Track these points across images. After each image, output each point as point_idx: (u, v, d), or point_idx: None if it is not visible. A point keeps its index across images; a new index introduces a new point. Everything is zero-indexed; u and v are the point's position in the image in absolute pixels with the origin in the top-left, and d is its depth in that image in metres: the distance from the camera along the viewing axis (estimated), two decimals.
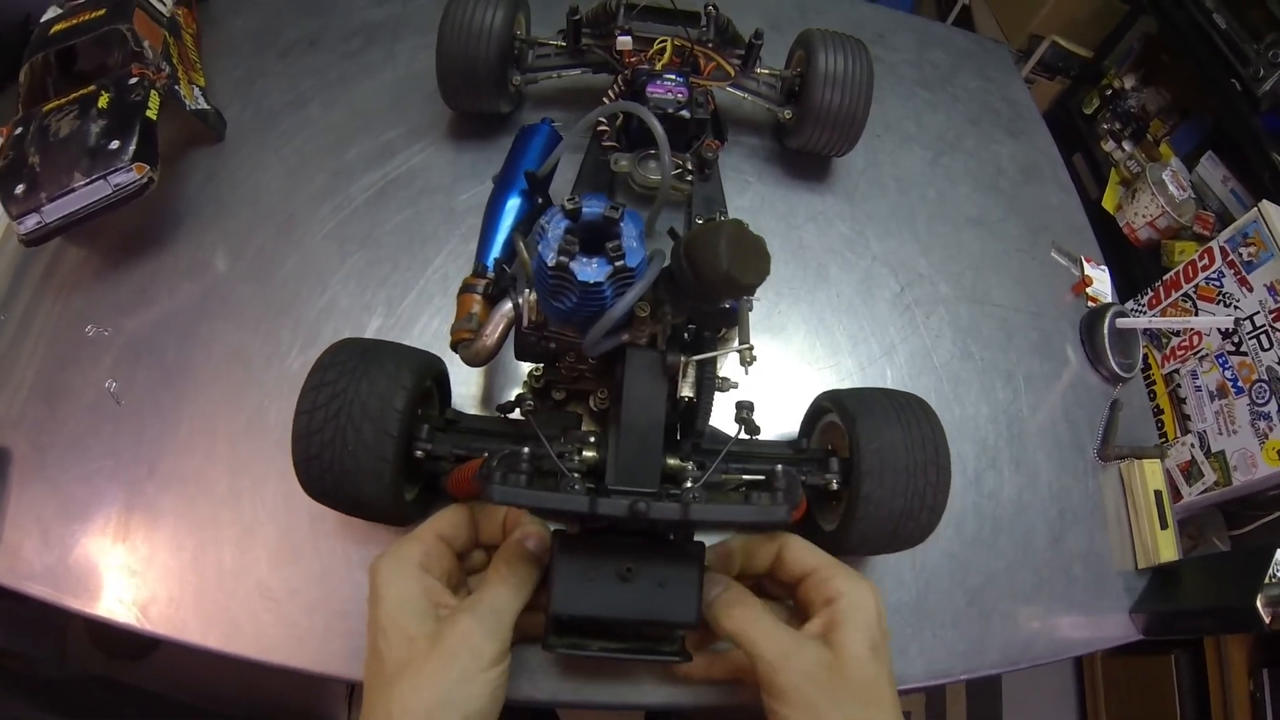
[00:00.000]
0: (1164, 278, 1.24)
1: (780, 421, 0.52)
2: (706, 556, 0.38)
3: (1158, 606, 0.55)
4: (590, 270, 0.34)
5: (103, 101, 0.52)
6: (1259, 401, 1.05)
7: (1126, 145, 1.60)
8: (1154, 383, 1.23)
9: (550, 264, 0.34)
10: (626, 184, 0.55)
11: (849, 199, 0.68)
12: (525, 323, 0.42)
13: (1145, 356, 1.26)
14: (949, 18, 1.79)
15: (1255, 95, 1.20)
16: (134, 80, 0.53)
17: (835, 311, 0.61)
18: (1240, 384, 1.09)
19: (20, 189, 0.49)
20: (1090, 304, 0.68)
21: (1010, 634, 0.52)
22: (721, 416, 0.45)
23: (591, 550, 0.36)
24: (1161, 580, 0.57)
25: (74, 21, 0.55)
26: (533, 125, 0.56)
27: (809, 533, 0.48)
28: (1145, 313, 0.90)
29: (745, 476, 0.42)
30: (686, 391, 0.41)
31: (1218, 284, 1.14)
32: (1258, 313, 1.05)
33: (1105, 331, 0.63)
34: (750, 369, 0.41)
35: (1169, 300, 1.24)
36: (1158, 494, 0.58)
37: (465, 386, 0.52)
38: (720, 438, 0.45)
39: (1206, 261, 1.16)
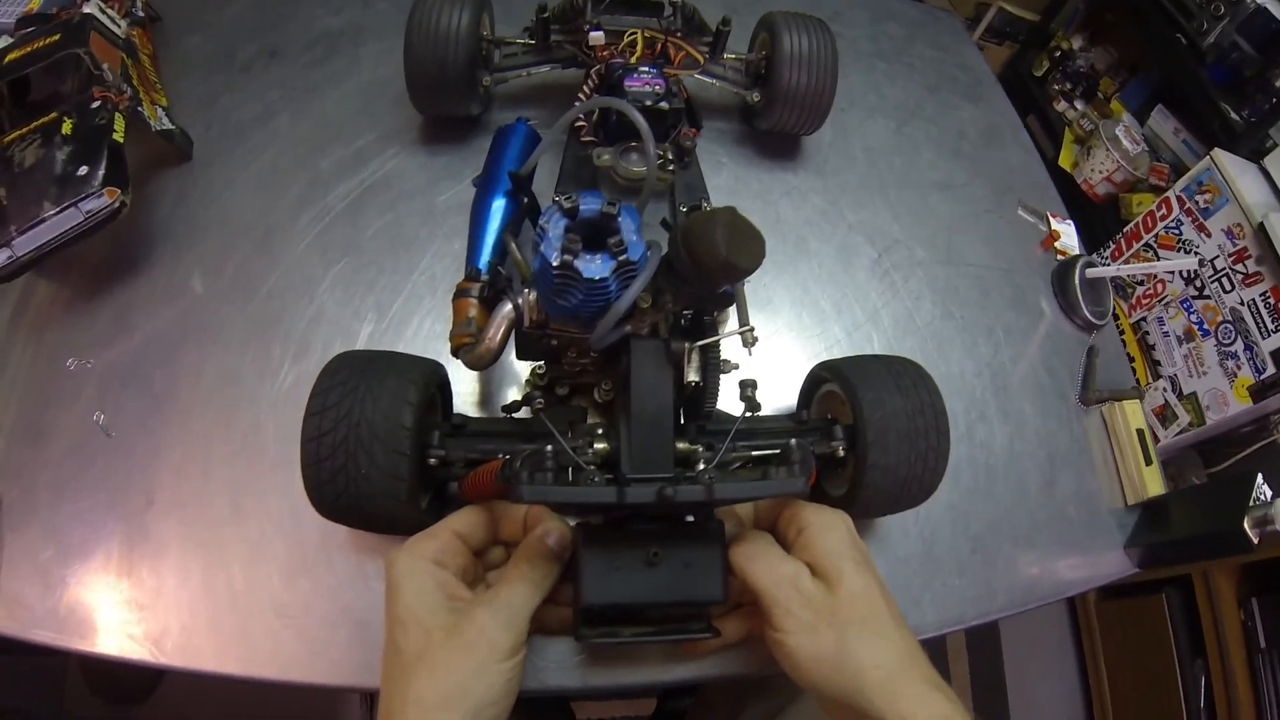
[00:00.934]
0: (1125, 230, 1.28)
1: (776, 394, 0.53)
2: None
3: (1150, 539, 0.57)
4: (595, 267, 0.34)
5: (66, 128, 0.50)
6: (1225, 342, 1.09)
7: (1078, 104, 1.64)
8: (1123, 332, 1.27)
9: (555, 263, 0.34)
10: (610, 178, 0.55)
11: (820, 172, 0.69)
12: (527, 322, 0.42)
13: (1112, 307, 1.30)
14: None
15: (1200, 48, 1.25)
16: (97, 104, 0.51)
17: (818, 282, 0.62)
18: (1206, 326, 1.13)
19: None
20: (1059, 257, 0.70)
21: (1014, 577, 0.54)
22: (728, 400, 0.46)
23: (615, 540, 0.37)
24: (1151, 514, 0.59)
25: (27, 49, 0.54)
26: (509, 125, 0.56)
27: (818, 499, 0.49)
28: (1110, 264, 0.93)
29: (752, 453, 0.43)
30: (693, 376, 0.42)
31: (1177, 232, 1.19)
32: (1217, 256, 1.10)
33: (1076, 282, 0.66)
34: (753, 349, 0.42)
35: (1131, 251, 1.28)
36: (1140, 433, 0.60)
37: (464, 387, 0.52)
38: (722, 418, 0.46)
39: (1164, 211, 1.20)
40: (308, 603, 0.44)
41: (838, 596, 0.35)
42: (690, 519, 0.39)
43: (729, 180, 0.67)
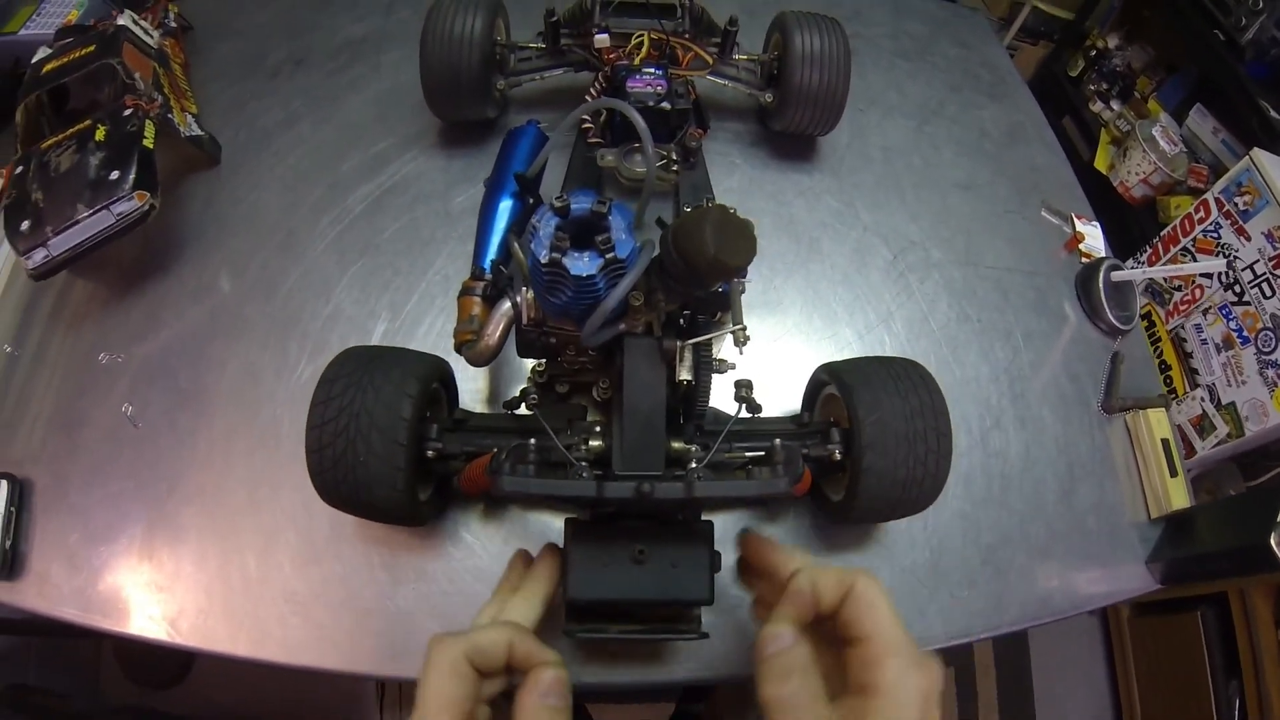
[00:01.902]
0: (1161, 234, 1.24)
1: (783, 397, 0.53)
2: (789, 587, 0.33)
3: (1173, 554, 0.55)
4: (582, 264, 0.35)
5: (100, 134, 0.53)
6: (1265, 350, 1.05)
7: (1114, 104, 1.60)
8: (1159, 339, 1.23)
9: (544, 261, 0.35)
10: (614, 178, 0.56)
11: (835, 173, 0.69)
12: (525, 320, 0.43)
13: (1149, 314, 1.26)
14: None
15: (1239, 44, 1.20)
16: (128, 111, 0.54)
17: (830, 283, 0.62)
18: (1245, 334, 1.08)
19: (26, 225, 0.51)
20: (1084, 259, 0.68)
21: (1028, 590, 0.52)
22: (724, 399, 0.46)
23: (603, 537, 0.37)
24: (1175, 528, 0.57)
25: (64, 60, 0.57)
26: (519, 128, 0.57)
27: (817, 504, 0.48)
28: (1142, 267, 0.90)
29: (749, 455, 0.43)
30: (685, 375, 0.42)
31: (1215, 235, 1.14)
32: (1257, 261, 1.05)
33: (1101, 285, 0.64)
34: (745, 349, 0.42)
35: (1168, 256, 1.23)
36: (1165, 443, 0.58)
37: (473, 385, 0.53)
38: (724, 419, 0.46)
39: (1202, 214, 1.15)
40: (317, 591, 0.46)
41: None
42: (681, 519, 0.39)
43: (742, 181, 0.67)
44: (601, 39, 0.57)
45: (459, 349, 0.46)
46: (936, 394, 0.43)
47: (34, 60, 0.59)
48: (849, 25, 0.63)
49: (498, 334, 0.43)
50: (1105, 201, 1.47)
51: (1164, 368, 1.21)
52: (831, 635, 0.32)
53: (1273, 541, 0.48)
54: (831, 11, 0.64)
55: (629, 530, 0.37)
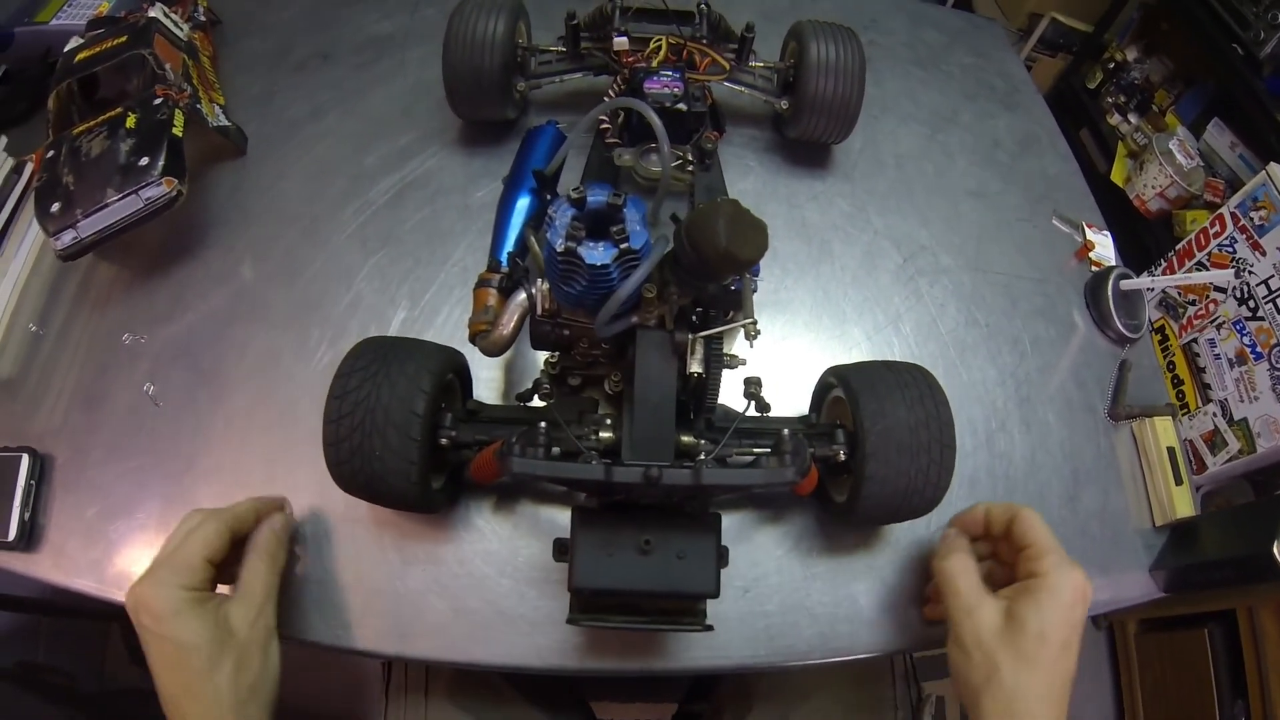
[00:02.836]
0: (1176, 247, 1.24)
1: (792, 397, 0.54)
2: (963, 515, 0.46)
3: (1177, 562, 0.55)
4: (597, 253, 0.36)
5: (130, 122, 0.55)
6: (1279, 366, 1.04)
7: (1132, 117, 1.59)
8: (1173, 353, 1.22)
9: (559, 249, 0.36)
10: (631, 177, 0.57)
11: (849, 178, 0.69)
12: (539, 311, 0.43)
13: (1163, 327, 1.25)
14: (948, 1, 1.80)
15: (1257, 59, 1.20)
16: (159, 100, 0.56)
17: (840, 285, 0.62)
18: (1259, 350, 1.08)
19: (56, 207, 0.52)
20: (1094, 268, 0.68)
21: None
22: (734, 397, 0.46)
23: (610, 525, 0.37)
24: (1180, 536, 0.57)
25: (97, 50, 0.59)
26: (539, 127, 0.58)
27: (821, 504, 0.49)
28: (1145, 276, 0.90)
29: (757, 451, 0.43)
30: (695, 368, 0.43)
31: (1230, 249, 1.13)
32: (1272, 276, 1.05)
33: (1110, 294, 0.64)
34: (756, 343, 0.42)
35: (1183, 270, 1.23)
36: (1171, 451, 0.58)
37: (489, 374, 0.54)
38: (733, 416, 0.47)
39: (1218, 228, 1.15)
40: (328, 569, 0.47)
41: (1017, 648, 0.38)
42: (688, 512, 0.39)
43: (756, 184, 0.68)
44: (620, 42, 0.58)
45: (473, 339, 0.47)
46: (943, 405, 0.43)
47: (66, 49, 0.60)
48: (865, 33, 0.64)
49: (512, 324, 0.44)
50: (1121, 214, 1.47)
51: (1176, 382, 1.20)
52: (1005, 557, 0.44)
53: (1276, 550, 0.48)
54: (848, 19, 0.64)
55: (636, 521, 0.37)
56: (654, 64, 0.57)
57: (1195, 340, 1.21)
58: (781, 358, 0.58)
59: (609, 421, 0.41)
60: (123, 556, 0.48)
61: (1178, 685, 1.13)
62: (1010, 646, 0.38)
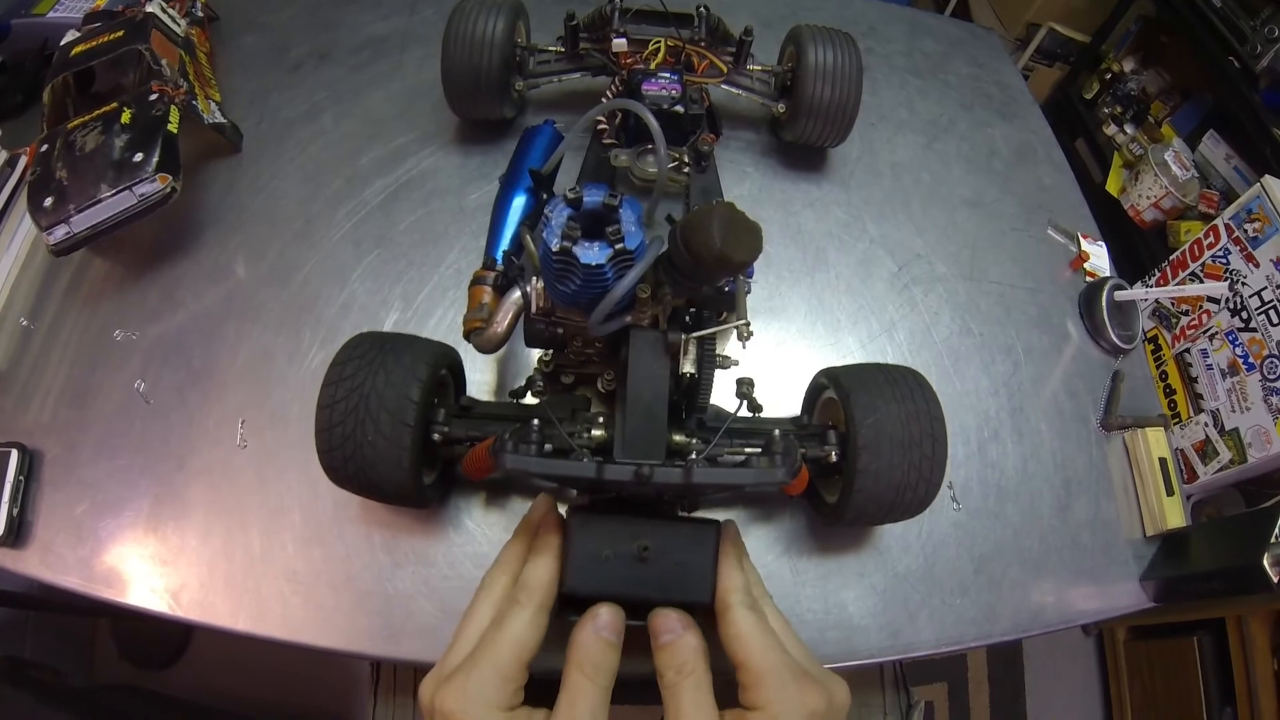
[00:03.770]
0: (1170, 258, 1.24)
1: (784, 401, 0.54)
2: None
3: (1167, 573, 0.55)
4: (592, 253, 0.36)
5: (125, 117, 0.54)
6: (1270, 377, 1.04)
7: (1128, 128, 1.60)
8: (1165, 363, 1.23)
9: (554, 249, 0.36)
10: (627, 178, 0.57)
11: (845, 185, 0.69)
12: (534, 309, 0.44)
13: (1155, 337, 1.26)
14: (946, 10, 1.81)
15: (1253, 72, 1.21)
16: (154, 96, 0.55)
17: (834, 292, 0.62)
18: (1251, 360, 1.08)
19: (49, 202, 0.52)
20: (1088, 278, 0.69)
21: (1020, 602, 0.53)
22: (726, 398, 0.46)
23: (607, 528, 0.37)
24: (1170, 547, 0.57)
25: (93, 44, 0.58)
26: (536, 126, 0.58)
27: (813, 505, 0.49)
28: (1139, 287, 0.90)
29: (749, 451, 0.43)
30: (688, 368, 0.43)
31: (1224, 261, 1.14)
32: (1265, 288, 1.05)
33: (1104, 304, 0.64)
34: (749, 345, 0.42)
35: (1176, 280, 1.23)
36: (1162, 461, 0.59)
37: (481, 375, 0.54)
38: (725, 416, 0.47)
39: (1212, 239, 1.15)
40: (318, 570, 0.47)
41: None
42: (684, 514, 0.39)
43: (752, 189, 0.68)
44: (619, 43, 0.59)
45: (468, 336, 0.46)
46: (933, 401, 0.43)
47: (63, 43, 0.60)
48: (864, 41, 0.64)
49: (506, 322, 0.44)
50: (1116, 224, 1.47)
51: (1169, 391, 1.20)
52: None
53: (1266, 562, 0.48)
54: (847, 27, 0.65)
55: (633, 526, 0.37)
56: (652, 66, 0.57)
57: (1188, 350, 1.21)
58: (775, 363, 0.58)
59: (601, 420, 0.41)
60: (111, 555, 0.48)
61: (1166, 692, 1.13)
62: None
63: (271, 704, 1.11)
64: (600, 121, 0.56)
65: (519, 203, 0.52)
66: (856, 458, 0.41)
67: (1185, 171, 1.36)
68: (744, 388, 0.41)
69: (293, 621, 0.45)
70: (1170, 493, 0.58)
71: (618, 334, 0.40)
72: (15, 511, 0.48)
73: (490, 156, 0.66)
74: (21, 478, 0.49)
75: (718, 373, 0.43)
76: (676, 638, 0.33)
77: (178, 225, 0.60)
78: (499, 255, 0.50)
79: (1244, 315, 1.09)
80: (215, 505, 0.49)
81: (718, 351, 0.42)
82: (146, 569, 0.47)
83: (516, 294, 0.44)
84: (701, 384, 0.42)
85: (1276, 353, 1.03)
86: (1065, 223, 0.73)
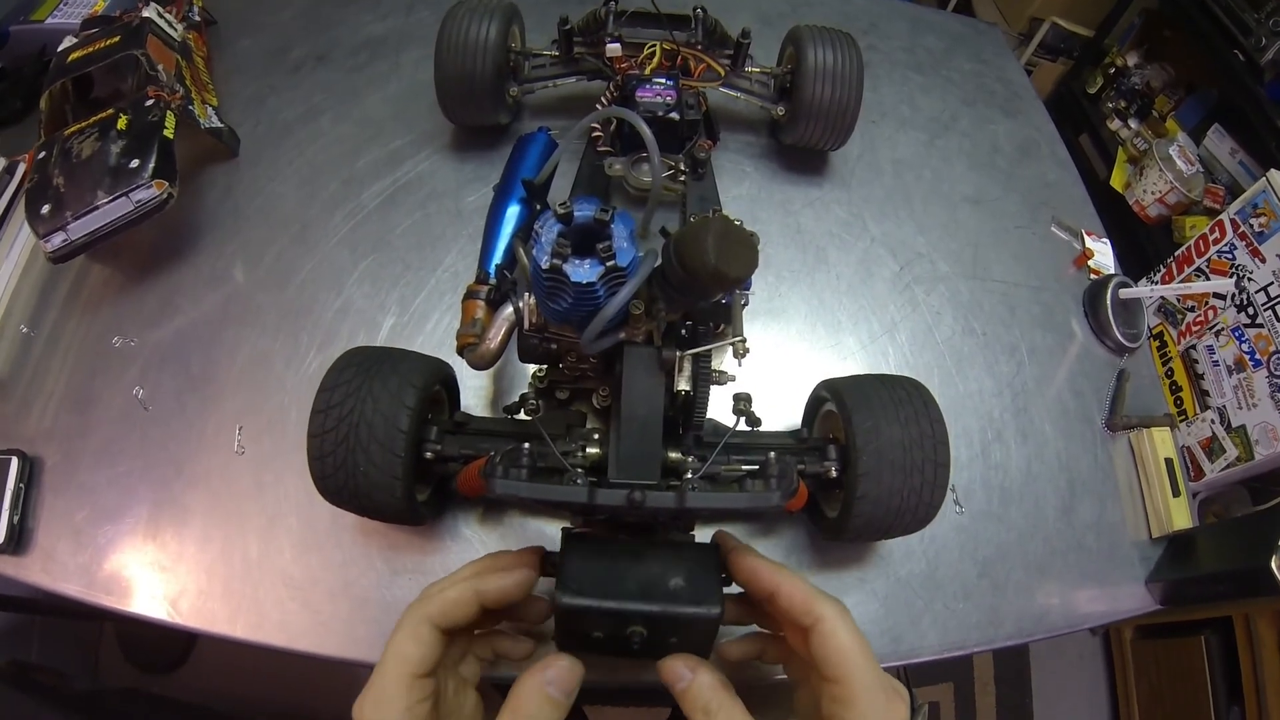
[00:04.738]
0: (1176, 253, 1.23)
1: (784, 409, 0.53)
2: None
3: (1173, 575, 0.55)
4: (583, 271, 0.35)
5: (121, 123, 0.54)
6: (1277, 373, 1.04)
7: (1132, 123, 1.59)
8: (1171, 359, 1.22)
9: (544, 267, 0.35)
10: (622, 187, 0.56)
11: (845, 184, 0.69)
12: (527, 325, 0.43)
13: (1161, 334, 1.25)
14: (948, 6, 1.79)
15: (1258, 65, 1.20)
16: (150, 102, 0.55)
17: (835, 293, 0.62)
18: (1258, 357, 1.07)
19: (46, 209, 0.52)
20: (1093, 276, 0.68)
21: (1024, 605, 0.52)
22: (724, 412, 0.46)
23: (603, 553, 0.35)
24: (1177, 549, 0.56)
25: (90, 50, 0.58)
26: (530, 134, 0.57)
27: (813, 519, 0.48)
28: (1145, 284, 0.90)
29: (746, 468, 0.42)
30: (684, 385, 0.42)
31: (1230, 256, 1.13)
32: (1271, 283, 1.04)
33: (1109, 303, 0.63)
34: (744, 360, 0.42)
35: (1182, 276, 1.22)
36: (1169, 462, 0.58)
37: (477, 381, 0.54)
38: (723, 431, 0.46)
39: (1217, 235, 1.14)
40: (315, 577, 0.47)
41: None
42: (684, 537, 0.39)
43: (751, 190, 0.67)
44: (614, 48, 0.58)
45: (461, 352, 0.46)
46: (938, 423, 0.42)
47: (60, 49, 0.60)
48: (865, 38, 0.63)
49: (499, 338, 0.44)
50: (1120, 220, 1.46)
51: (1175, 389, 1.20)
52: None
53: (1273, 564, 0.48)
54: (848, 25, 0.64)
55: (630, 549, 0.35)
56: (647, 70, 0.56)
57: (1194, 347, 1.20)
58: (775, 366, 0.57)
59: (596, 436, 0.41)
60: (111, 562, 0.48)
61: (1173, 691, 1.13)
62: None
63: (276, 708, 1.11)
64: (595, 129, 0.55)
65: (512, 213, 0.52)
66: (856, 483, 0.40)
67: (1190, 166, 1.35)
68: (741, 404, 0.40)
69: (291, 628, 0.45)
70: (1176, 494, 0.57)
71: (612, 350, 0.39)
72: (16, 518, 0.48)
73: (486, 159, 0.66)
74: (22, 485, 0.49)
75: (714, 388, 0.42)
76: (689, 683, 0.32)
77: (175, 231, 0.60)
78: (492, 268, 0.49)
79: (1250, 311, 1.08)
80: (214, 512, 0.49)
81: (714, 367, 0.41)
82: (146, 576, 0.47)
83: (509, 309, 0.43)
84: (697, 401, 0.41)
85: None
86: (1069, 219, 0.72)
